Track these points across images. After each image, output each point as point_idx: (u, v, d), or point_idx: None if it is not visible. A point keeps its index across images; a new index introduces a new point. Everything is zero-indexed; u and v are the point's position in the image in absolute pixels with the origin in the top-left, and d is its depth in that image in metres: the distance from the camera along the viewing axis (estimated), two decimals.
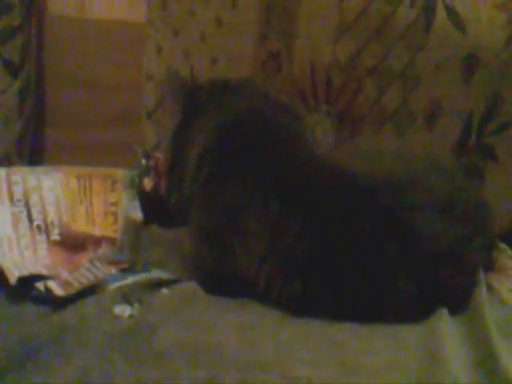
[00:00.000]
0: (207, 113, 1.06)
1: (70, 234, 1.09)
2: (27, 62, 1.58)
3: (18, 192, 1.08)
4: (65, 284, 0.95)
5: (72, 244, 1.09)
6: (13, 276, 0.95)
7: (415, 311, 0.88)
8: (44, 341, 0.79)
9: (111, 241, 1.12)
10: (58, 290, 0.93)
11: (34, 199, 1.08)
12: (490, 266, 1.02)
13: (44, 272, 0.99)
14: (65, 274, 0.99)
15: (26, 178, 1.10)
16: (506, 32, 1.24)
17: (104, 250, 1.10)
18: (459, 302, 0.92)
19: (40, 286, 0.94)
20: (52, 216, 1.09)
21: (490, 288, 0.97)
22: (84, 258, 1.07)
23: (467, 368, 0.75)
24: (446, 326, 0.84)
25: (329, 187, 0.94)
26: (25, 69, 1.57)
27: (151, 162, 1.26)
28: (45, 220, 1.08)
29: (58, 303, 0.90)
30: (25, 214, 1.06)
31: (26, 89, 1.58)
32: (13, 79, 1.54)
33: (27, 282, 0.95)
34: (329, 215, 0.92)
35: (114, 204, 1.17)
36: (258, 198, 0.95)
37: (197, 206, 1.03)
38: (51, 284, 0.94)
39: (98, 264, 1.03)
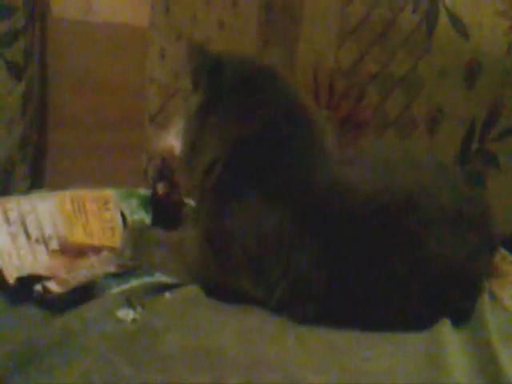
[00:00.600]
0: (229, 107, 0.99)
1: (68, 245, 1.10)
2: (31, 64, 1.58)
3: (13, 216, 1.08)
4: (62, 282, 0.95)
5: (72, 252, 1.09)
6: (11, 277, 0.95)
7: (420, 323, 0.88)
8: (47, 345, 0.80)
9: (112, 249, 1.12)
10: (54, 287, 0.93)
11: (29, 219, 1.08)
12: (491, 272, 1.02)
13: (42, 273, 0.99)
14: (62, 274, 0.99)
15: (20, 203, 1.10)
16: (508, 38, 1.24)
17: (106, 254, 1.10)
18: (464, 313, 0.92)
19: (38, 287, 0.94)
20: (49, 231, 1.09)
21: (491, 294, 0.97)
22: (85, 262, 1.06)
23: (469, 374, 0.75)
24: (447, 333, 0.85)
25: (344, 207, 0.92)
26: (28, 71, 1.57)
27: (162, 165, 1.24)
28: (42, 234, 1.08)
29: (57, 302, 0.91)
30: (22, 231, 1.06)
31: (30, 91, 1.58)
32: (16, 82, 1.54)
33: (26, 284, 0.95)
34: (344, 237, 0.90)
35: (109, 221, 1.18)
36: (273, 219, 0.93)
37: (206, 213, 1.00)
38: (48, 283, 0.94)
39: (96, 265, 1.04)
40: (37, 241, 1.07)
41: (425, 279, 0.89)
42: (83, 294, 0.94)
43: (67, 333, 0.83)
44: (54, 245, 1.08)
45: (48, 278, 0.96)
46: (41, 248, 1.07)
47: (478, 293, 0.95)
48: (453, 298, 0.91)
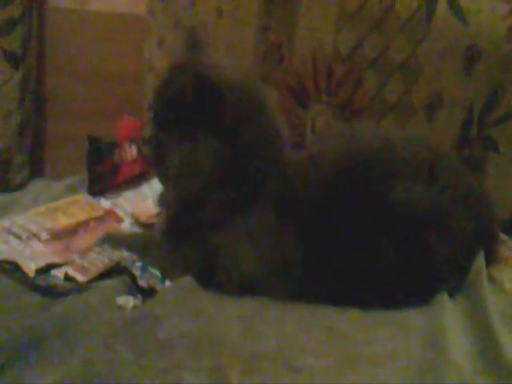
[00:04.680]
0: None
1: (57, 230, 1.13)
2: (28, 53, 1.58)
3: None
4: (82, 270, 0.98)
5: (63, 235, 1.12)
6: (30, 269, 0.96)
7: (409, 283, 0.90)
8: (48, 331, 0.80)
9: (98, 218, 1.19)
10: (79, 276, 0.96)
11: (14, 228, 1.10)
12: (492, 258, 1.02)
13: (57, 260, 1.01)
14: (77, 259, 1.02)
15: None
16: (507, 23, 1.24)
17: (93, 224, 1.17)
18: (452, 276, 0.94)
19: (58, 273, 0.97)
20: (35, 228, 1.12)
21: (491, 278, 0.97)
22: (82, 241, 1.11)
23: (470, 357, 0.76)
24: (448, 316, 0.85)
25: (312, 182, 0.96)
26: (26, 61, 1.57)
27: None
28: (30, 232, 1.11)
29: (79, 289, 0.93)
30: (10, 236, 1.08)
31: (27, 81, 1.58)
32: (14, 71, 1.54)
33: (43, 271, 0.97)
34: (318, 212, 0.93)
35: (82, 200, 1.27)
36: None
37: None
38: (70, 271, 0.97)
39: (106, 247, 1.06)
40: (28, 238, 1.09)
41: (392, 222, 0.91)
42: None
43: (68, 319, 0.83)
44: (44, 236, 1.10)
45: (63, 265, 1.00)
46: (34, 241, 1.08)
47: (463, 251, 0.96)
48: (427, 245, 0.92)
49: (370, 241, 0.91)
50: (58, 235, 1.11)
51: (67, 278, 0.97)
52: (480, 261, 0.96)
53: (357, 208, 0.92)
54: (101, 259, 1.02)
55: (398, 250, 0.90)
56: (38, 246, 1.07)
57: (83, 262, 1.01)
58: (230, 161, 0.95)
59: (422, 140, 1.07)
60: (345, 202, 0.92)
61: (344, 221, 0.92)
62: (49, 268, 0.99)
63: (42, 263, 0.99)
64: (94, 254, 1.04)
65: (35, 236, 1.09)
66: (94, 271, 0.98)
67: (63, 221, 1.16)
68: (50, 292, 0.92)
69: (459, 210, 0.95)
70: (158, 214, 1.15)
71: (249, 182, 0.96)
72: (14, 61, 1.54)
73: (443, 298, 0.90)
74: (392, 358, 0.75)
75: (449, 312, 0.86)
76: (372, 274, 0.90)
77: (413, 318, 0.86)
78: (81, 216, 1.19)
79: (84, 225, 1.17)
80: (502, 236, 1.09)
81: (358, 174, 0.94)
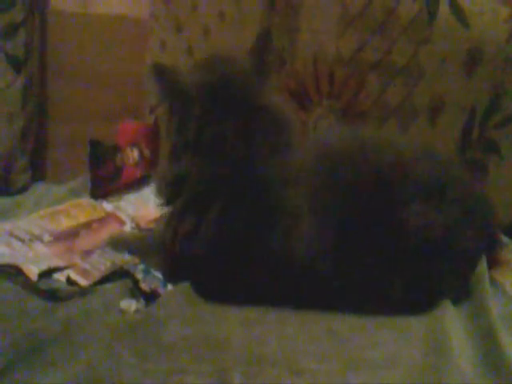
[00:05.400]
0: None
1: (59, 233, 1.14)
2: (30, 57, 1.58)
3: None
4: (84, 273, 0.99)
5: (65, 237, 1.13)
6: (33, 273, 0.97)
7: (415, 301, 0.89)
8: (50, 336, 0.80)
9: (99, 219, 1.20)
10: (81, 280, 0.97)
11: (16, 231, 1.11)
12: (494, 263, 1.01)
13: (60, 263, 1.02)
14: (80, 262, 1.03)
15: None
16: (508, 25, 1.24)
17: (96, 226, 1.18)
18: (458, 289, 0.93)
19: (60, 277, 0.98)
20: (37, 231, 1.12)
21: (493, 281, 0.97)
22: (84, 242, 1.12)
23: (472, 361, 0.76)
24: (450, 320, 0.85)
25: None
26: (28, 64, 1.57)
27: None
28: (33, 235, 1.11)
29: (82, 293, 0.93)
30: (13, 239, 1.09)
31: (29, 84, 1.58)
32: (16, 74, 1.54)
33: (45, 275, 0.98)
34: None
35: (84, 203, 1.28)
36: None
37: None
38: (72, 274, 0.98)
39: (108, 250, 1.07)
40: (30, 240, 1.09)
41: (404, 251, 0.90)
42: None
43: (70, 324, 0.83)
44: (47, 238, 1.11)
45: (66, 268, 1.00)
46: (37, 244, 1.09)
47: (470, 264, 0.95)
48: (438, 268, 0.91)
49: (381, 262, 0.89)
50: (60, 237, 1.12)
51: (69, 281, 0.97)
52: (482, 265, 0.96)
53: (369, 232, 0.90)
54: (103, 262, 1.03)
55: (404, 267, 0.90)
56: (41, 248, 1.08)
57: (85, 266, 1.01)
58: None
59: (429, 149, 1.06)
60: (357, 228, 0.90)
61: (355, 244, 0.90)
62: (51, 272, 0.99)
63: (44, 267, 0.99)
64: (97, 257, 1.05)
65: (38, 238, 1.10)
66: (96, 275, 0.99)
67: (66, 223, 1.17)
68: (53, 296, 0.92)
69: (467, 224, 0.94)
70: (156, 220, 1.15)
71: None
72: (17, 64, 1.54)
73: (445, 302, 0.89)
74: (394, 361, 0.76)
75: (451, 315, 0.86)
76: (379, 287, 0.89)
77: (415, 321, 0.86)
78: (83, 218, 1.20)
79: (86, 226, 1.18)
80: (504, 239, 1.09)
81: (370, 198, 0.92)
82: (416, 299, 0.89)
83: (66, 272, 0.99)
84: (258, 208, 0.90)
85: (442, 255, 0.91)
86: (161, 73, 0.96)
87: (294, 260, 0.89)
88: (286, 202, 0.91)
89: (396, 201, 0.92)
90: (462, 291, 0.93)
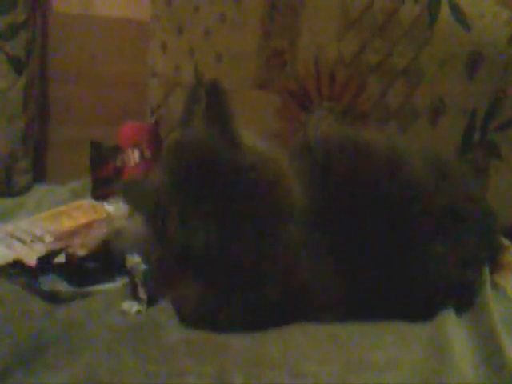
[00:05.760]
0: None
1: (60, 233, 1.12)
2: (32, 58, 1.58)
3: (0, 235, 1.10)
4: (81, 245, 1.01)
5: (66, 237, 1.11)
6: (31, 259, 0.97)
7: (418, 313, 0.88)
8: (51, 337, 0.80)
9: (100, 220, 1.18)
10: (77, 252, 0.99)
11: (17, 232, 1.10)
12: (495, 266, 1.01)
13: (59, 245, 1.02)
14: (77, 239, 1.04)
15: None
16: (509, 28, 1.24)
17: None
18: (463, 299, 0.92)
19: (60, 258, 0.99)
20: (39, 232, 1.11)
21: (494, 284, 0.97)
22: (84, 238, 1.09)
23: (474, 364, 0.76)
24: (451, 322, 0.85)
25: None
26: (29, 65, 1.57)
27: None
28: (34, 235, 1.10)
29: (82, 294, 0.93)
30: (14, 240, 1.08)
31: (31, 85, 1.58)
32: (18, 76, 1.54)
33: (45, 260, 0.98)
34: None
35: (86, 205, 1.26)
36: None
37: None
38: (70, 250, 0.99)
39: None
40: (32, 241, 1.08)
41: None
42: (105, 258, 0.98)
43: (71, 325, 0.84)
44: (48, 238, 1.10)
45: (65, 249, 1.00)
46: (38, 244, 1.08)
47: (477, 277, 0.95)
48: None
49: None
50: (61, 237, 1.11)
51: (68, 256, 0.97)
52: (484, 268, 0.96)
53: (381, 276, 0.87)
54: (102, 233, 1.04)
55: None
56: (42, 249, 1.07)
57: (83, 240, 1.02)
58: None
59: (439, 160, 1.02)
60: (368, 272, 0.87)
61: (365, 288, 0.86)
62: (50, 256, 0.99)
63: (43, 252, 0.99)
64: (95, 232, 1.06)
65: (39, 239, 1.09)
66: (91, 245, 0.99)
67: (67, 224, 1.17)
68: (54, 298, 0.92)
69: (473, 240, 0.94)
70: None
71: None
72: (18, 66, 1.54)
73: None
74: (395, 365, 0.75)
75: (452, 318, 0.86)
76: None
77: (416, 325, 0.86)
78: (84, 219, 1.20)
79: (87, 227, 1.17)
80: (505, 242, 1.09)
81: (381, 230, 0.88)
82: (419, 312, 0.88)
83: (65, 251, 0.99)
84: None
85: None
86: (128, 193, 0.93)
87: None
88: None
89: (412, 241, 0.89)
90: (466, 300, 0.92)
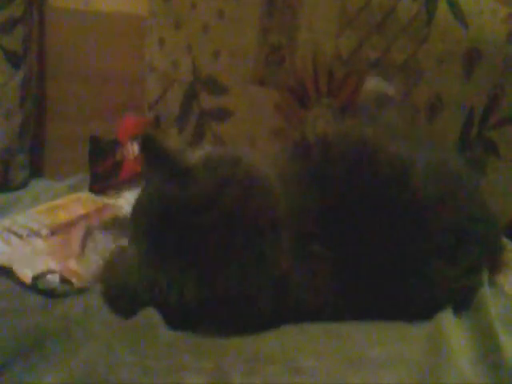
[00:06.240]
0: None
1: (57, 226, 1.12)
2: (29, 53, 1.58)
3: None
4: (77, 275, 0.97)
5: (63, 229, 1.11)
6: (27, 277, 0.95)
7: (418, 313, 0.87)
8: (49, 332, 0.80)
9: (97, 210, 1.19)
10: (75, 281, 0.96)
11: (14, 227, 1.10)
12: (493, 266, 1.01)
13: (54, 267, 0.99)
14: (73, 264, 1.01)
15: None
16: (507, 25, 1.24)
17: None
18: (463, 298, 0.92)
19: (54, 278, 0.96)
20: (35, 226, 1.11)
21: (492, 282, 0.97)
22: (81, 231, 1.10)
23: (472, 361, 0.76)
24: (450, 320, 0.85)
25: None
26: (26, 60, 1.57)
27: None
28: (31, 229, 1.10)
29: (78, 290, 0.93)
30: (11, 235, 1.08)
31: (28, 80, 1.58)
32: (15, 70, 1.54)
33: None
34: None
35: (82, 197, 1.27)
36: None
37: None
38: (66, 274, 0.96)
39: (100, 244, 1.06)
40: (28, 236, 1.08)
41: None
42: None
43: (69, 320, 0.83)
44: (44, 232, 1.09)
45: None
46: (34, 238, 1.08)
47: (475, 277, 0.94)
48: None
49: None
50: (57, 230, 1.11)
51: (63, 280, 0.95)
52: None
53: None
54: (96, 260, 1.01)
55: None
56: (38, 243, 1.07)
57: (78, 268, 1.00)
58: None
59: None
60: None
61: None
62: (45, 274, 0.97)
63: (39, 270, 0.97)
64: (90, 254, 1.04)
65: (36, 233, 1.09)
66: (87, 278, 0.97)
67: (63, 217, 1.16)
68: (50, 294, 0.92)
69: (476, 253, 0.93)
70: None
71: None
72: (15, 60, 1.54)
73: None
74: (393, 361, 0.76)
75: (450, 315, 0.86)
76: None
77: (414, 322, 0.86)
78: (81, 211, 1.19)
79: (84, 217, 1.16)
80: (503, 240, 1.09)
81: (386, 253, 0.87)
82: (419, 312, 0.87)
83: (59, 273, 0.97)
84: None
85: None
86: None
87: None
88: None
89: (415, 256, 0.88)
90: (465, 300, 0.92)
